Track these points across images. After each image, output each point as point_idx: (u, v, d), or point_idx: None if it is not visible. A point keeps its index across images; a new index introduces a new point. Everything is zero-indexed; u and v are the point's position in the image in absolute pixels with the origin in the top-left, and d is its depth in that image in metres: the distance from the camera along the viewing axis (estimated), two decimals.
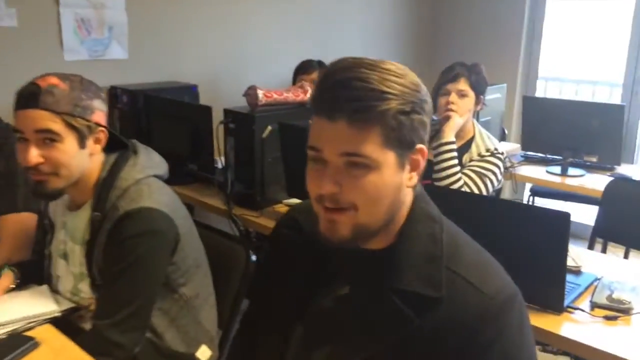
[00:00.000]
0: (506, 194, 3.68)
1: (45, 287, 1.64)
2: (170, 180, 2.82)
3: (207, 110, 2.53)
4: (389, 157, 0.90)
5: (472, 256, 0.99)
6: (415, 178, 0.96)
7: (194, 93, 3.10)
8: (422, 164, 0.96)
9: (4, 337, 1.41)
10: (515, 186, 3.02)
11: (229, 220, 2.36)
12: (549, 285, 1.62)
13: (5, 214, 1.85)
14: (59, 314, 1.53)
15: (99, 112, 1.48)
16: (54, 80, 1.41)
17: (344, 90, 0.87)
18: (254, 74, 3.46)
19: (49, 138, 1.40)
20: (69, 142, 1.42)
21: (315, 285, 1.07)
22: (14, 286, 1.65)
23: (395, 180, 0.92)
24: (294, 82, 3.30)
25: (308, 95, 3.41)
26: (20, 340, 1.38)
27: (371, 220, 0.92)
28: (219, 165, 2.68)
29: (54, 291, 1.65)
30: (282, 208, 2.42)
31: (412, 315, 0.93)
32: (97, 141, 1.49)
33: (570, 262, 1.83)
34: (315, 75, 3.30)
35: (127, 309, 1.44)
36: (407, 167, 0.94)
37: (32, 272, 1.72)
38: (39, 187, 1.45)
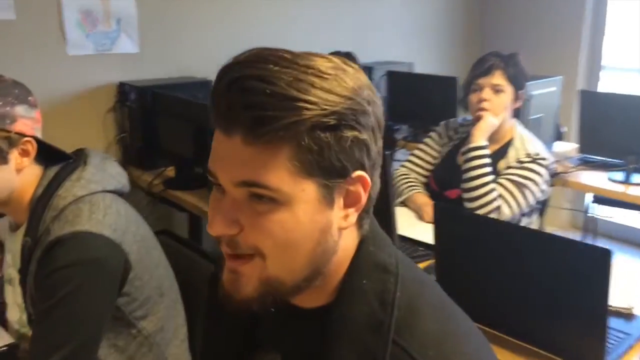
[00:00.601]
0: (562, 204, 3.28)
1: None
2: (176, 184, 2.70)
3: None
4: (306, 189, 0.66)
5: (433, 324, 0.73)
6: (353, 215, 0.71)
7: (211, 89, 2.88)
8: (364, 197, 0.71)
9: None
10: (570, 195, 2.63)
11: None
12: (587, 336, 1.29)
13: None
14: None
15: (23, 120, 1.26)
16: None
17: (238, 94, 0.64)
18: None
19: None
20: None
21: (248, 349, 0.87)
22: None
23: (317, 220, 0.68)
24: None
25: None
26: None
27: (285, 274, 0.69)
28: None
29: (3, 321, 1.46)
30: None
31: None
32: (24, 154, 1.27)
33: (618, 302, 1.47)
34: None
35: (59, 353, 1.23)
36: (339, 202, 0.70)
37: None
38: None
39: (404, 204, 2.26)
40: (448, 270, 1.45)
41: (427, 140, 2.37)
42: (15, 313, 1.43)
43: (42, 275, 1.24)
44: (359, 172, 0.69)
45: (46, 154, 1.33)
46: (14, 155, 1.26)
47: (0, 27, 2.45)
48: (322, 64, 0.66)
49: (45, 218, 1.27)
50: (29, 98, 1.28)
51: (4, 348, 1.36)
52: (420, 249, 1.84)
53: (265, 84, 0.62)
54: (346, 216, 0.71)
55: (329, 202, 0.68)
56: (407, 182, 2.28)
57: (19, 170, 1.28)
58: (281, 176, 0.64)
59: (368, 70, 3.42)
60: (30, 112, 1.28)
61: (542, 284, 1.30)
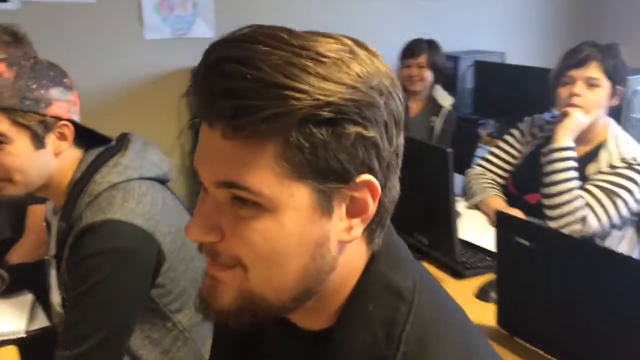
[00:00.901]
0: None
1: (29, 297, 1.46)
2: None
3: None
4: (296, 194, 0.56)
5: None
6: (359, 227, 0.61)
7: None
8: (373, 206, 0.60)
9: None
10: None
11: None
12: None
13: None
14: (25, 335, 1.33)
15: (59, 103, 1.23)
16: None
17: (218, 79, 0.54)
18: None
19: None
20: (21, 142, 1.20)
21: None
22: None
23: (310, 232, 0.58)
24: (401, 66, 2.86)
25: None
26: None
27: (269, 291, 0.60)
28: None
29: (48, 302, 1.47)
30: None
31: None
32: (61, 137, 1.25)
33: None
34: (423, 59, 2.83)
35: (89, 340, 1.21)
36: (340, 211, 0.59)
37: (39, 276, 1.55)
38: None
39: (477, 207, 2.07)
40: (510, 289, 1.27)
41: (507, 137, 2.15)
42: (58, 296, 1.43)
43: (73, 262, 1.23)
44: (365, 176, 0.58)
45: (87, 137, 1.31)
46: (50, 139, 1.23)
47: (80, 10, 2.51)
48: (323, 46, 0.55)
49: (81, 203, 1.25)
50: (65, 80, 1.25)
51: (38, 331, 1.36)
52: (488, 258, 1.66)
53: (246, 67, 0.53)
54: (349, 228, 0.60)
55: (326, 210, 0.58)
56: (482, 183, 2.09)
57: (57, 154, 1.26)
58: (264, 177, 0.55)
59: (453, 60, 3.22)
60: (66, 94, 1.24)
61: (625, 316, 1.10)
